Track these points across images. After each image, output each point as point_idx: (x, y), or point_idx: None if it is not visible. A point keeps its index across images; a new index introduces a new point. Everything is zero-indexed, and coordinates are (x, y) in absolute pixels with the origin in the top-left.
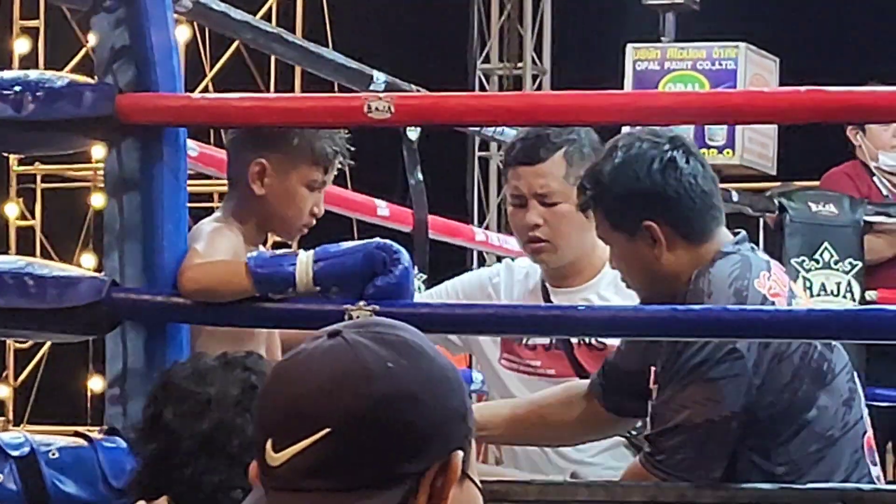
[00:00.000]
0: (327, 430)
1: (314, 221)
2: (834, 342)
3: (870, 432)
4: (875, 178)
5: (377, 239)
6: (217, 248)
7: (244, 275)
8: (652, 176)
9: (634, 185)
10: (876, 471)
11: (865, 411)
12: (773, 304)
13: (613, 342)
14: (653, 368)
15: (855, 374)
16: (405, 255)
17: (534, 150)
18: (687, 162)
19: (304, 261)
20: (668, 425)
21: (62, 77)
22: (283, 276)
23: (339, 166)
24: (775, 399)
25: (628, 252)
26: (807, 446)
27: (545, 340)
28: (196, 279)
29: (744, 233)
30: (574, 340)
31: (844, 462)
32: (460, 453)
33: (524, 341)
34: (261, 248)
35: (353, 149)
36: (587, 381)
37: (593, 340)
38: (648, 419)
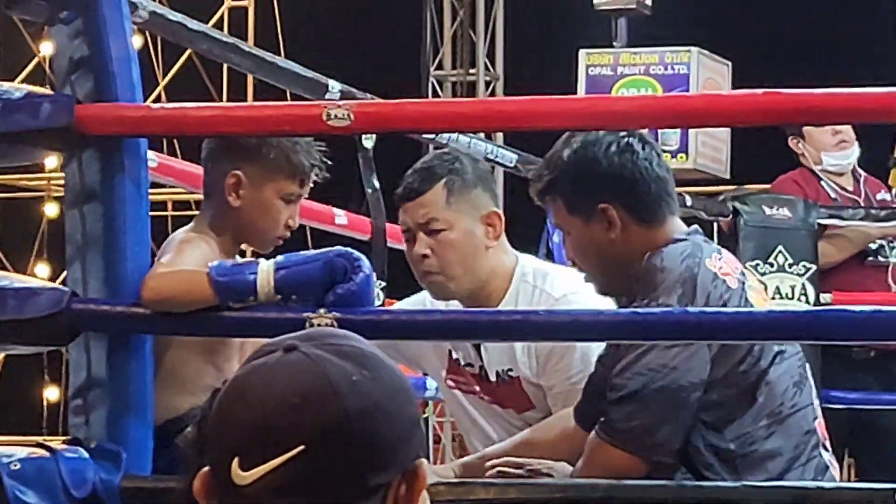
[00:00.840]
0: (301, 446)
1: (289, 234)
2: None
3: (821, 419)
4: (822, 183)
5: (338, 247)
6: (185, 260)
7: (205, 283)
8: (609, 158)
9: (592, 167)
10: (827, 455)
11: (817, 401)
12: (723, 281)
13: (520, 375)
14: None
15: (807, 364)
16: (366, 263)
17: (414, 184)
18: (643, 149)
19: (266, 269)
20: (622, 393)
21: (20, 88)
22: (245, 284)
23: (316, 177)
24: (728, 374)
25: (584, 237)
26: (757, 422)
27: (477, 370)
28: (156, 288)
29: (697, 226)
30: (493, 378)
31: (794, 440)
32: (425, 461)
33: (462, 363)
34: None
35: (329, 162)
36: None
37: (506, 375)
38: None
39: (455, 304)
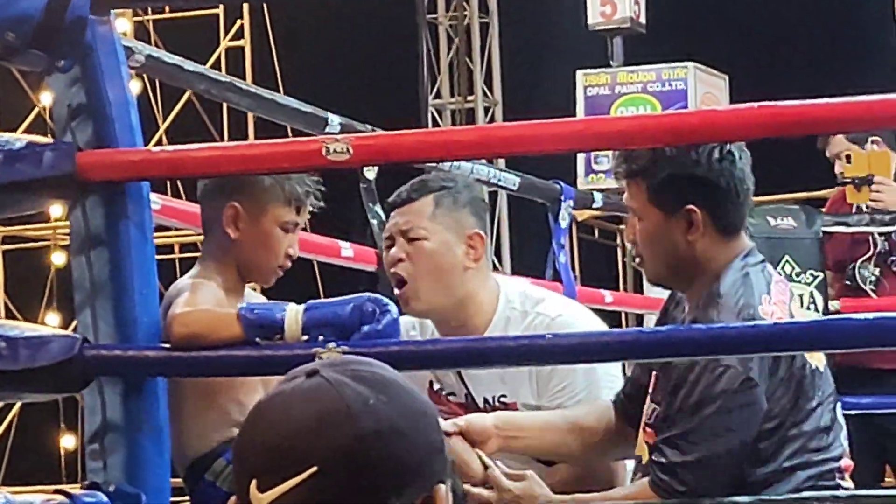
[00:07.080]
0: (313, 468)
1: (289, 264)
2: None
3: (846, 461)
4: None
5: (370, 293)
6: (202, 300)
7: (234, 320)
8: (710, 163)
9: (690, 169)
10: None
11: (846, 442)
12: None
13: (516, 400)
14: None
15: (839, 405)
16: (394, 308)
17: (405, 193)
18: (740, 158)
19: (295, 309)
20: (688, 458)
21: (20, 138)
22: (272, 321)
23: (311, 207)
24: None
25: (661, 229)
26: (782, 461)
27: (462, 399)
28: (187, 324)
29: (753, 245)
30: (481, 405)
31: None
32: (444, 486)
33: (444, 393)
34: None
35: (323, 189)
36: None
37: (497, 402)
38: (659, 423)
39: (431, 329)
